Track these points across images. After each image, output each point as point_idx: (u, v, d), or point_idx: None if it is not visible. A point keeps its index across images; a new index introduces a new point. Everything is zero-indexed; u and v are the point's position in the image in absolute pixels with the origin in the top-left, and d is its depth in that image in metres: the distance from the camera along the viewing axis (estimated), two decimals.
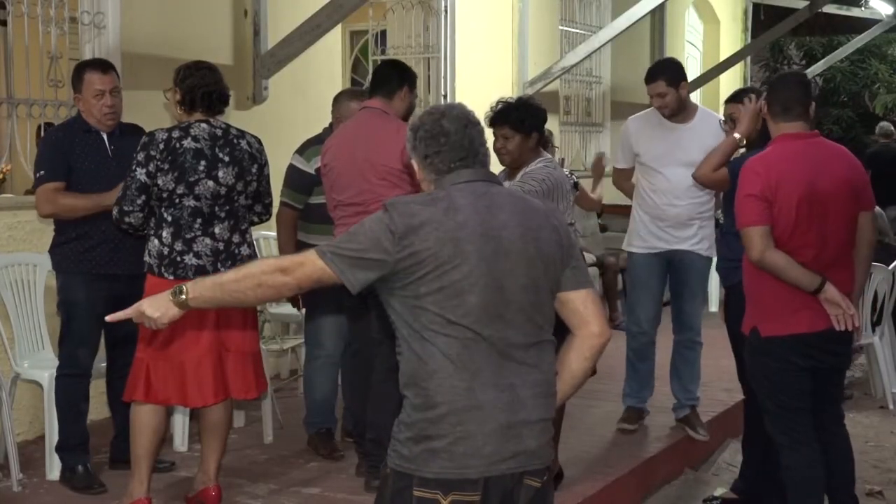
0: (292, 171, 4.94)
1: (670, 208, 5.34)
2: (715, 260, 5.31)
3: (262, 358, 4.46)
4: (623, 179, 5.66)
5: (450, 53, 8.22)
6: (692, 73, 12.65)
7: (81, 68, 4.68)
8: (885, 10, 13.55)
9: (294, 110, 6.86)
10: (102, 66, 4.68)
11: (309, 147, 4.97)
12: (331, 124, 5.02)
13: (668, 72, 5.34)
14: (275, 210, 4.69)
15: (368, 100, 4.64)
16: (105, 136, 4.61)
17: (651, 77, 5.34)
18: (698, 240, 5.41)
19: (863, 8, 13.69)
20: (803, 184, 3.79)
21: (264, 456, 5.13)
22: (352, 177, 4.45)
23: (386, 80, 4.56)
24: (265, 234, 6.39)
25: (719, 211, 5.49)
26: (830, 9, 13.08)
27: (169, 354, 4.17)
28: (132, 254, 4.40)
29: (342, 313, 4.79)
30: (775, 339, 3.87)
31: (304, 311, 5.22)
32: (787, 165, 3.81)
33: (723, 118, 4.69)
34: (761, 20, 13.91)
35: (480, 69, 8.51)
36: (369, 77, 8.64)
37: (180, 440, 5.18)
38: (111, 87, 4.58)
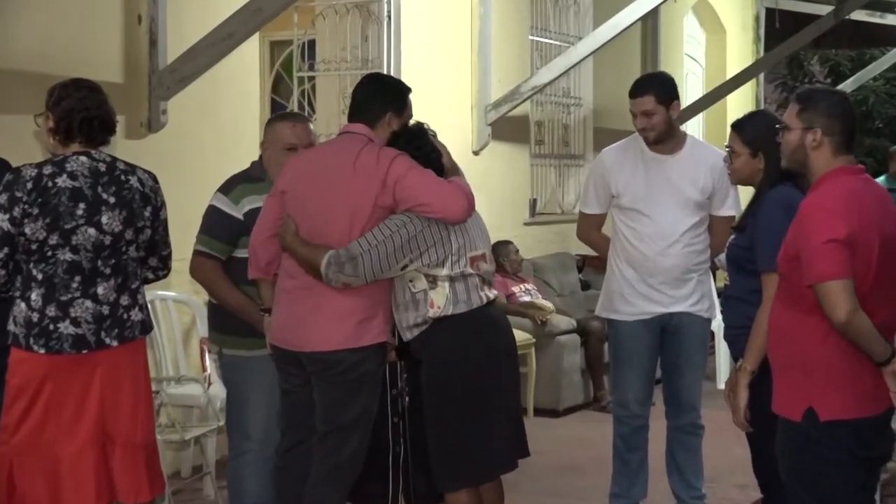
0: (214, 214, 4.84)
1: (663, 259, 5.38)
2: (717, 325, 5.31)
3: (157, 451, 4.42)
4: (593, 228, 5.68)
5: (394, 69, 8.26)
6: (693, 92, 12.83)
7: None
8: None
9: (200, 139, 6.85)
10: None
11: (236, 185, 4.92)
12: (261, 157, 5.01)
13: (658, 86, 5.41)
14: (177, 264, 4.67)
15: (349, 123, 4.67)
16: None
17: (637, 91, 5.39)
18: (697, 298, 5.46)
19: None
20: (877, 228, 3.79)
21: None
22: (316, 211, 4.45)
23: (365, 106, 4.62)
24: (161, 295, 6.36)
25: (717, 259, 5.52)
26: (860, 16, 13.31)
27: (39, 447, 4.12)
28: None
29: (276, 395, 4.72)
30: (840, 423, 3.80)
31: (212, 389, 5.10)
32: (861, 206, 3.79)
33: (727, 147, 4.74)
34: (776, 29, 14.12)
35: (432, 89, 8.56)
36: (294, 97, 8.74)
37: None
38: None
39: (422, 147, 4.59)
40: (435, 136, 4.69)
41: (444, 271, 4.45)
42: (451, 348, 4.47)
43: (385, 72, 8.21)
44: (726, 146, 4.68)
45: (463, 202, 4.41)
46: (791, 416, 3.91)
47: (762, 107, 14.16)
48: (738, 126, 4.65)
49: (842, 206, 3.78)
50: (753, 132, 4.59)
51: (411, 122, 4.68)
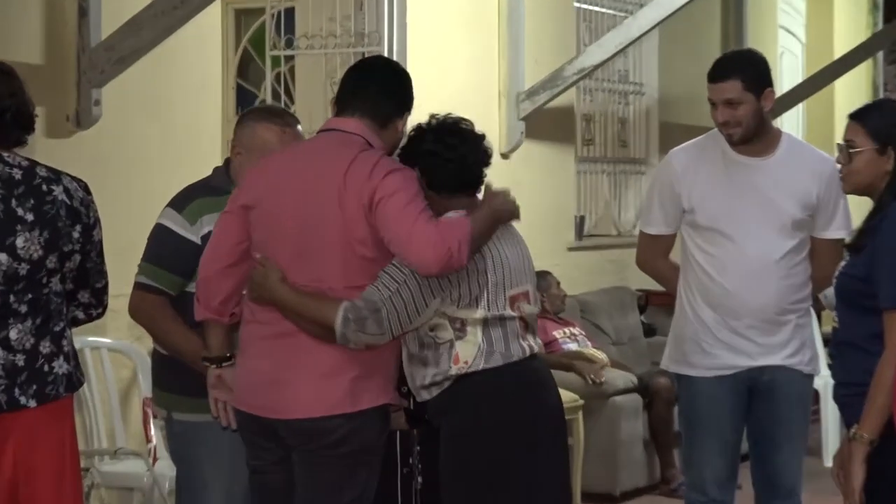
0: (163, 236, 4.85)
1: (750, 296, 5.37)
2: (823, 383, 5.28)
3: None
4: (658, 254, 5.70)
5: (397, 47, 8.27)
6: (790, 77, 12.85)
7: None
8: None
9: (144, 138, 6.87)
10: None
11: (192, 199, 4.93)
12: (227, 161, 5.03)
13: (746, 67, 5.41)
14: (114, 302, 4.68)
15: (341, 118, 4.62)
16: None
17: (719, 73, 5.39)
18: (796, 348, 5.45)
19: None
20: None
21: None
22: (297, 238, 4.44)
23: (377, 98, 4.56)
24: (93, 342, 6.37)
25: (823, 295, 5.49)
26: None
27: None
28: None
29: (242, 474, 4.72)
30: None
31: (158, 466, 5.11)
32: None
33: (840, 143, 4.72)
34: None
35: (447, 73, 8.59)
36: (266, 83, 8.74)
37: None
38: None
39: (456, 146, 4.54)
40: (484, 138, 4.65)
41: (479, 312, 4.42)
42: (478, 413, 4.44)
43: (386, 50, 8.23)
44: (841, 142, 4.65)
45: (430, 254, 4.20)
46: None
47: (881, 94, 14.15)
48: (859, 115, 4.62)
49: None
50: (882, 121, 4.57)
51: (444, 114, 4.61)
